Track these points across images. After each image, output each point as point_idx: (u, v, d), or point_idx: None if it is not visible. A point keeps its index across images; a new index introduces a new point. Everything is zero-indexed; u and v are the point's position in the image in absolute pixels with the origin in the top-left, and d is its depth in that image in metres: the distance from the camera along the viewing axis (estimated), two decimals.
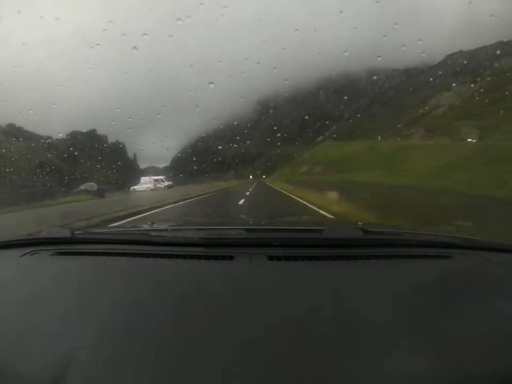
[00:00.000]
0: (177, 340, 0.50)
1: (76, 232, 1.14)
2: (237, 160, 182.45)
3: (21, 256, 1.03)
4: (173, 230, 1.22)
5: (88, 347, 0.49)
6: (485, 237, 1.09)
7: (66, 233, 1.12)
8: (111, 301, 0.66)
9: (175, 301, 0.64)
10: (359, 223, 1.47)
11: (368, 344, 0.48)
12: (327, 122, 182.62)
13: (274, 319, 0.56)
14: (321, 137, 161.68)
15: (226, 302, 0.62)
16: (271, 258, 0.86)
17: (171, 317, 0.57)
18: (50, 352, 0.49)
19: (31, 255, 1.03)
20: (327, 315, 0.57)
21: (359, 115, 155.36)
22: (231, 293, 0.67)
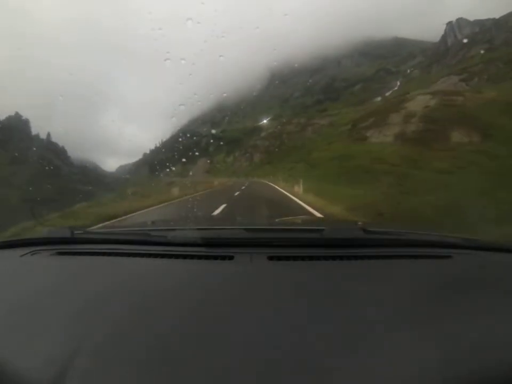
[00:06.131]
0: (178, 340, 0.50)
1: (75, 232, 1.14)
2: (211, 141, 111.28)
3: (21, 256, 1.02)
4: (173, 230, 1.22)
5: (88, 347, 0.49)
6: (485, 237, 1.09)
7: (66, 233, 1.12)
8: (111, 301, 0.66)
9: (175, 301, 0.64)
10: (359, 222, 1.48)
11: (368, 344, 0.48)
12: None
13: (274, 319, 0.56)
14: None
15: (226, 302, 0.62)
16: (271, 258, 0.86)
17: (171, 317, 0.57)
18: (50, 352, 0.49)
19: (31, 255, 1.03)
20: (327, 315, 0.57)
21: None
22: (231, 293, 0.67)
